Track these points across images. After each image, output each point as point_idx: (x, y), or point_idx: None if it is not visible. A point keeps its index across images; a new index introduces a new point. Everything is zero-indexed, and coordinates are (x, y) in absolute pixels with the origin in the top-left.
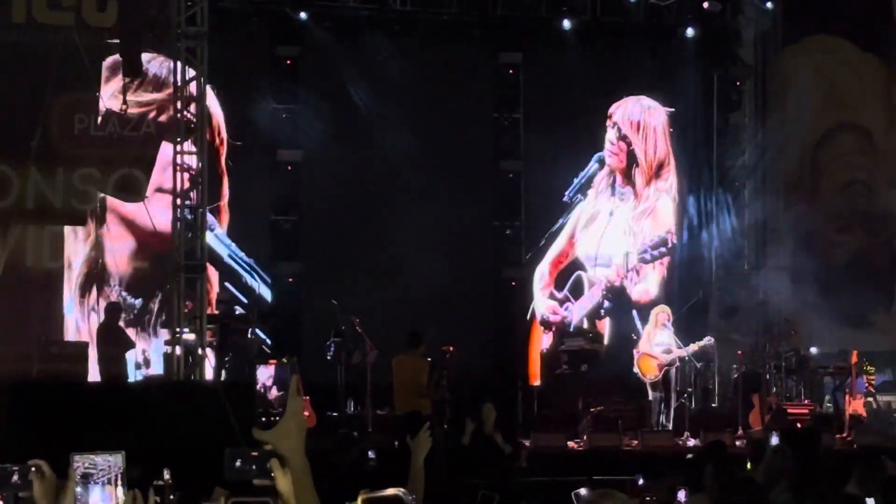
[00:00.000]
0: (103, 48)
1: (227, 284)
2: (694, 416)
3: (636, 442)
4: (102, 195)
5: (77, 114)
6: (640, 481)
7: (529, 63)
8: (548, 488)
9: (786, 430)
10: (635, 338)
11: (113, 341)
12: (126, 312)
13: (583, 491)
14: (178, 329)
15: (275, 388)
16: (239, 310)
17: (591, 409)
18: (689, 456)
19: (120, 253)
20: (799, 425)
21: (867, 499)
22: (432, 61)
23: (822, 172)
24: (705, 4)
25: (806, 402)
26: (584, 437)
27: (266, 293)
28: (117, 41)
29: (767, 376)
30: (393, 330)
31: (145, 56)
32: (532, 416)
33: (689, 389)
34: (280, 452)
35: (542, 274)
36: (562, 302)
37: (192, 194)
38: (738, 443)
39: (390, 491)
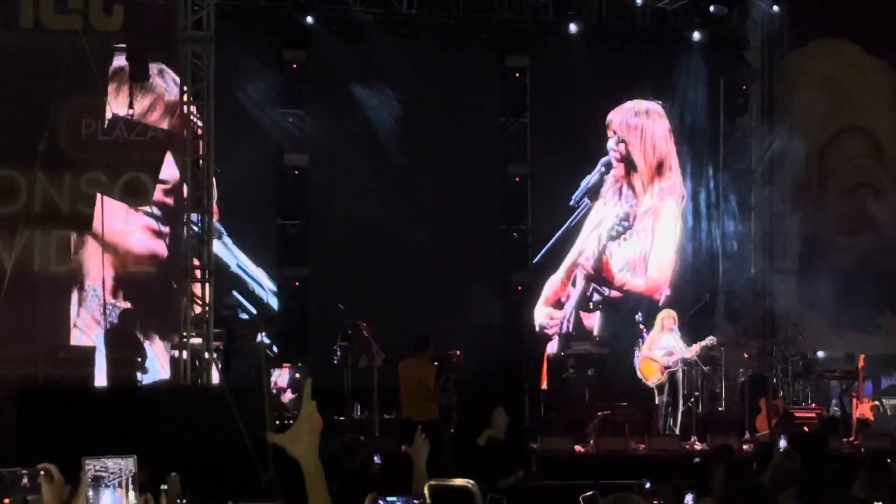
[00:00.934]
0: (110, 52)
1: (234, 293)
2: (701, 420)
3: (643, 446)
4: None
5: (84, 118)
6: (647, 485)
7: (536, 67)
8: (555, 492)
9: (793, 435)
10: (641, 341)
11: (123, 345)
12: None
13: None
14: (184, 333)
15: (289, 390)
16: (244, 315)
17: (599, 413)
18: (697, 460)
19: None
20: (806, 429)
21: (875, 502)
22: (439, 65)
23: (828, 176)
24: (712, 8)
25: (813, 405)
26: (592, 441)
27: (273, 302)
28: (124, 45)
29: (774, 380)
30: (400, 334)
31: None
32: (539, 419)
33: (696, 393)
34: (294, 455)
35: (553, 285)
36: (563, 305)
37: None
38: (745, 447)
39: (459, 481)
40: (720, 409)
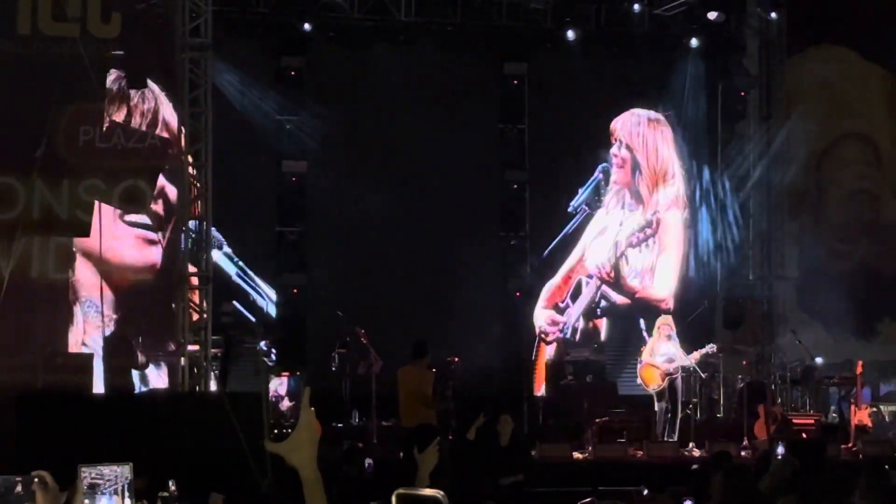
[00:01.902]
0: (108, 59)
1: (234, 302)
2: (699, 427)
3: (641, 452)
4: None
5: (82, 125)
6: (645, 492)
7: (534, 73)
8: (553, 499)
9: (791, 441)
10: (641, 349)
11: (120, 353)
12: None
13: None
14: (182, 341)
15: (286, 398)
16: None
17: (597, 420)
18: (695, 466)
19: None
20: (804, 436)
21: None
22: (437, 71)
23: (827, 182)
24: (710, 14)
25: (811, 412)
26: (590, 448)
27: (272, 310)
28: (121, 52)
29: (773, 387)
30: (398, 341)
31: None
32: (537, 426)
33: (695, 400)
34: (292, 463)
35: (550, 289)
36: (562, 310)
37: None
38: (743, 453)
39: (427, 491)
40: (718, 415)
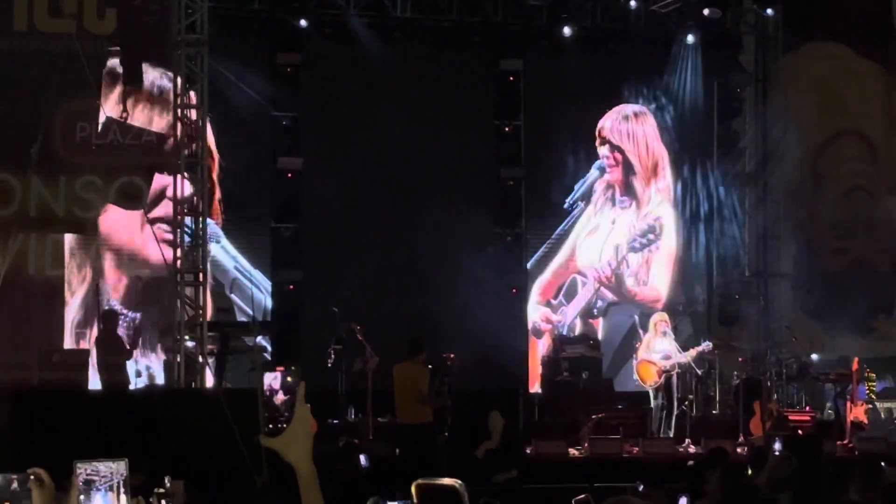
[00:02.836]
0: (104, 56)
1: (232, 295)
2: (695, 424)
3: (637, 449)
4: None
5: (79, 122)
6: (640, 488)
7: (530, 70)
8: (549, 495)
9: (787, 438)
10: (637, 345)
11: (112, 349)
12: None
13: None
14: (178, 337)
15: (280, 392)
16: (240, 317)
17: (592, 416)
18: (690, 463)
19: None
20: (800, 432)
21: None
22: (433, 68)
23: (823, 179)
24: (706, 11)
25: (807, 409)
26: (585, 444)
27: (268, 305)
28: (117, 48)
29: (768, 383)
30: (394, 337)
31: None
32: (533, 423)
33: (690, 396)
34: (287, 459)
35: (541, 285)
36: (556, 308)
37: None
38: (738, 450)
39: (447, 480)
40: (714, 412)
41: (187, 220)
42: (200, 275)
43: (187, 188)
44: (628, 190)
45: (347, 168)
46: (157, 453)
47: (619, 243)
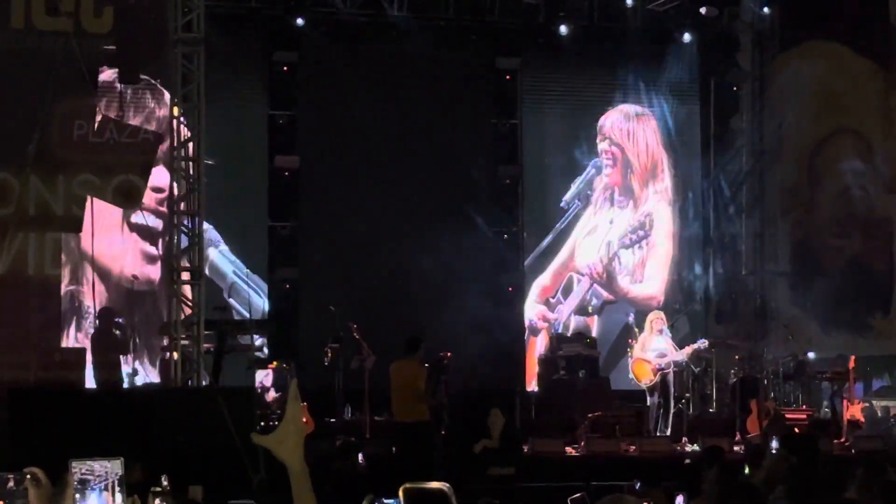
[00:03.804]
0: (101, 54)
1: (231, 300)
2: (692, 422)
3: (634, 448)
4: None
5: (76, 120)
6: (637, 486)
7: (527, 68)
8: (546, 494)
9: (784, 436)
10: (632, 344)
11: (107, 347)
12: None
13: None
14: (175, 335)
15: (272, 389)
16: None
17: (589, 415)
18: (688, 461)
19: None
20: (797, 431)
21: None
22: (430, 67)
23: (819, 177)
24: (703, 10)
25: (804, 407)
26: (582, 443)
27: (265, 304)
28: (114, 47)
29: (765, 382)
30: (390, 336)
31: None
32: (530, 421)
33: (687, 395)
34: (279, 457)
35: (542, 285)
36: (553, 306)
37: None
38: (735, 448)
39: (434, 484)
40: (711, 410)
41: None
42: (197, 273)
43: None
44: (626, 190)
45: (344, 166)
46: (154, 452)
47: (611, 240)
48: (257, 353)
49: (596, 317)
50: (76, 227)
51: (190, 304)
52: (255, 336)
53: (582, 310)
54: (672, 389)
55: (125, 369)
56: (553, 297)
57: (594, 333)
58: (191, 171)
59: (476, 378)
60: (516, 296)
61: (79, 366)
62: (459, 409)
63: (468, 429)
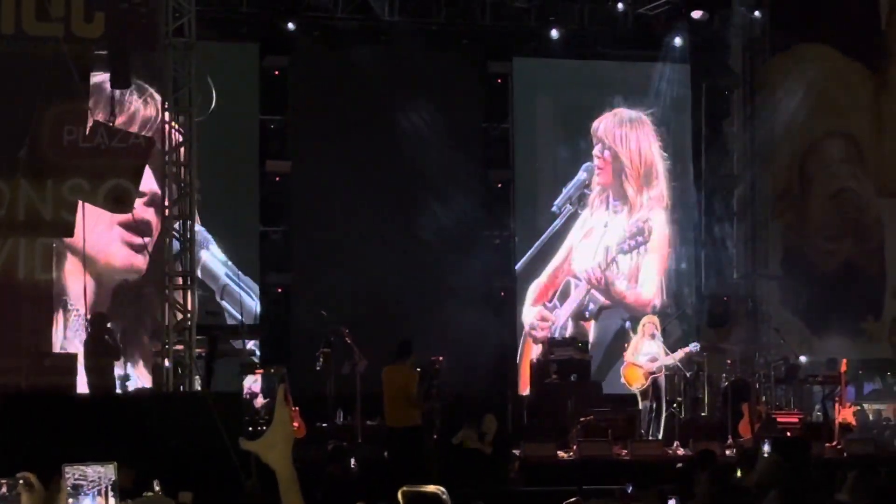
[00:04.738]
0: (91, 59)
1: (223, 302)
2: (684, 426)
3: (626, 451)
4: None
5: (66, 125)
6: (629, 490)
7: (518, 72)
8: (538, 498)
9: (776, 439)
10: (626, 346)
11: (99, 352)
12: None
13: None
14: (167, 341)
15: (261, 395)
16: (230, 322)
17: (581, 419)
18: (680, 465)
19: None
20: (788, 434)
21: None
22: (421, 71)
23: (811, 181)
24: (693, 14)
25: (795, 410)
26: (574, 447)
27: (256, 309)
28: (105, 52)
29: (757, 385)
30: (382, 340)
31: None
32: (522, 425)
33: (679, 399)
34: (267, 462)
35: (537, 288)
36: (551, 311)
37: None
38: (727, 452)
39: (430, 488)
40: (703, 414)
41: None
42: (189, 278)
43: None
44: (620, 194)
45: (336, 171)
46: (146, 457)
47: (609, 245)
48: (251, 358)
49: (593, 322)
50: (67, 232)
51: (181, 309)
52: (247, 341)
53: (579, 314)
54: (664, 393)
55: (118, 371)
56: (549, 302)
57: (591, 338)
58: (182, 176)
59: (468, 383)
60: (508, 300)
61: (70, 371)
62: (450, 414)
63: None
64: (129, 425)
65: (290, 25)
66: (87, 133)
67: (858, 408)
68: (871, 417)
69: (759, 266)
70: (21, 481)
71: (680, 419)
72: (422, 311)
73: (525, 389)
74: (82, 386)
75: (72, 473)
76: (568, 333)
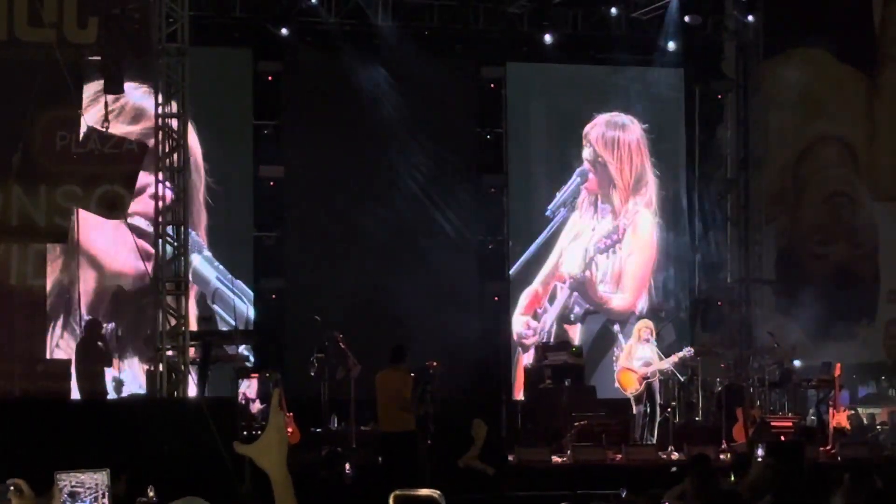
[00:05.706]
0: (84, 65)
1: (214, 305)
2: (678, 430)
3: (620, 456)
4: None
5: (59, 131)
6: (623, 494)
7: (511, 77)
8: (532, 502)
9: (770, 444)
10: (618, 351)
11: (91, 358)
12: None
13: None
14: (160, 346)
15: (257, 401)
16: (222, 327)
17: (575, 424)
18: (674, 469)
19: (86, 277)
20: (783, 438)
21: None
22: (414, 76)
23: (804, 185)
24: (687, 18)
25: (790, 415)
26: (569, 452)
27: (250, 314)
28: (98, 58)
29: (751, 390)
30: (376, 345)
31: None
32: (516, 430)
33: (673, 403)
34: (261, 466)
35: (529, 295)
36: (540, 316)
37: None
38: (721, 456)
39: (424, 491)
40: (697, 418)
41: (168, 228)
42: (182, 284)
43: (169, 196)
44: (609, 197)
45: (329, 176)
46: (140, 462)
47: (588, 247)
48: (246, 363)
49: (578, 326)
50: (60, 237)
51: (175, 314)
52: (241, 346)
53: (564, 318)
54: (658, 397)
55: (112, 374)
56: (541, 308)
57: (576, 342)
58: (176, 181)
59: (462, 387)
60: (502, 305)
61: (64, 377)
62: (445, 419)
63: (453, 438)
64: (123, 431)
65: (284, 31)
66: (79, 139)
67: (853, 412)
68: (865, 421)
69: (753, 270)
70: (11, 487)
71: (674, 423)
72: (416, 316)
73: (519, 394)
74: (76, 392)
75: (68, 481)
76: (553, 337)
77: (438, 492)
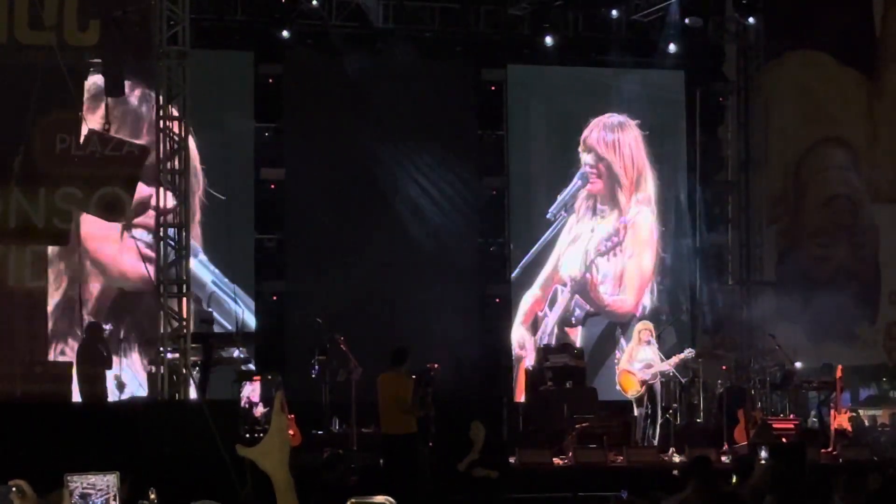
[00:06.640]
0: (85, 67)
1: (210, 309)
2: (679, 432)
3: (621, 458)
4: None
5: (59, 133)
6: (625, 496)
7: (512, 79)
8: None
9: (771, 446)
10: (619, 354)
11: (91, 360)
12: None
13: None
14: (161, 348)
15: (261, 404)
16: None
17: (577, 426)
18: (675, 471)
19: (89, 278)
20: (784, 440)
21: None
22: (415, 78)
23: (805, 187)
24: (687, 20)
25: (791, 416)
26: (570, 454)
27: (250, 319)
28: (99, 60)
29: (752, 391)
30: (377, 348)
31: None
32: (517, 432)
33: (675, 405)
34: (263, 468)
35: (530, 300)
36: (540, 320)
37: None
38: (723, 458)
39: (379, 498)
40: (698, 420)
41: (170, 231)
42: (184, 286)
43: (170, 200)
44: (610, 200)
45: (330, 178)
46: (141, 465)
47: (589, 249)
48: (249, 366)
49: (579, 329)
50: (59, 239)
51: (176, 316)
52: (242, 349)
53: (565, 321)
54: (659, 399)
55: (114, 373)
56: (541, 312)
57: (577, 344)
58: (177, 184)
59: (463, 390)
60: (503, 307)
61: (65, 379)
62: (446, 422)
63: (454, 441)
64: (124, 434)
65: (285, 33)
66: (80, 141)
67: (854, 414)
68: (866, 423)
69: (754, 272)
70: (14, 489)
71: (675, 425)
72: (417, 318)
73: (520, 396)
74: (77, 394)
75: (79, 483)
76: (555, 340)
77: (391, 499)
